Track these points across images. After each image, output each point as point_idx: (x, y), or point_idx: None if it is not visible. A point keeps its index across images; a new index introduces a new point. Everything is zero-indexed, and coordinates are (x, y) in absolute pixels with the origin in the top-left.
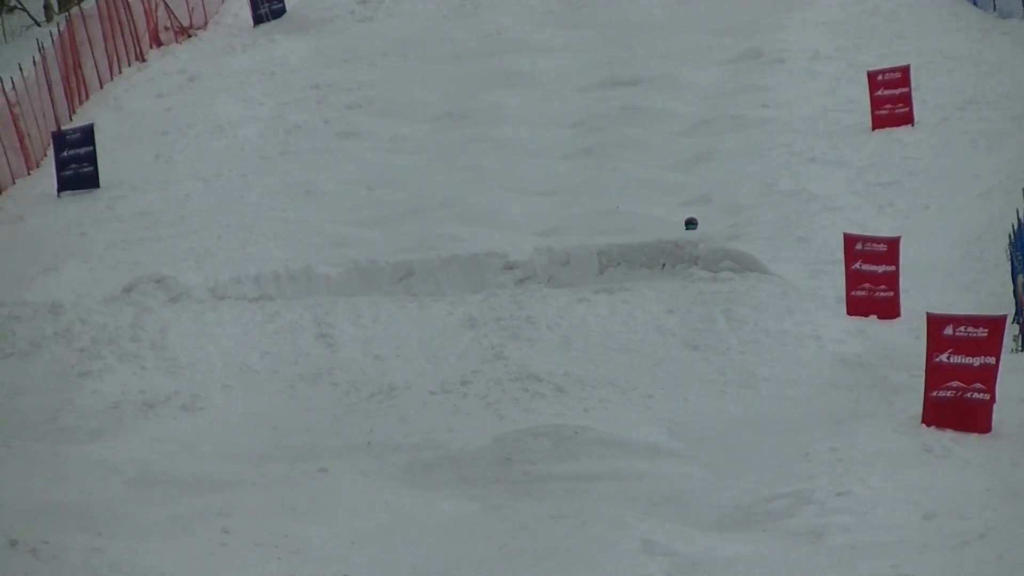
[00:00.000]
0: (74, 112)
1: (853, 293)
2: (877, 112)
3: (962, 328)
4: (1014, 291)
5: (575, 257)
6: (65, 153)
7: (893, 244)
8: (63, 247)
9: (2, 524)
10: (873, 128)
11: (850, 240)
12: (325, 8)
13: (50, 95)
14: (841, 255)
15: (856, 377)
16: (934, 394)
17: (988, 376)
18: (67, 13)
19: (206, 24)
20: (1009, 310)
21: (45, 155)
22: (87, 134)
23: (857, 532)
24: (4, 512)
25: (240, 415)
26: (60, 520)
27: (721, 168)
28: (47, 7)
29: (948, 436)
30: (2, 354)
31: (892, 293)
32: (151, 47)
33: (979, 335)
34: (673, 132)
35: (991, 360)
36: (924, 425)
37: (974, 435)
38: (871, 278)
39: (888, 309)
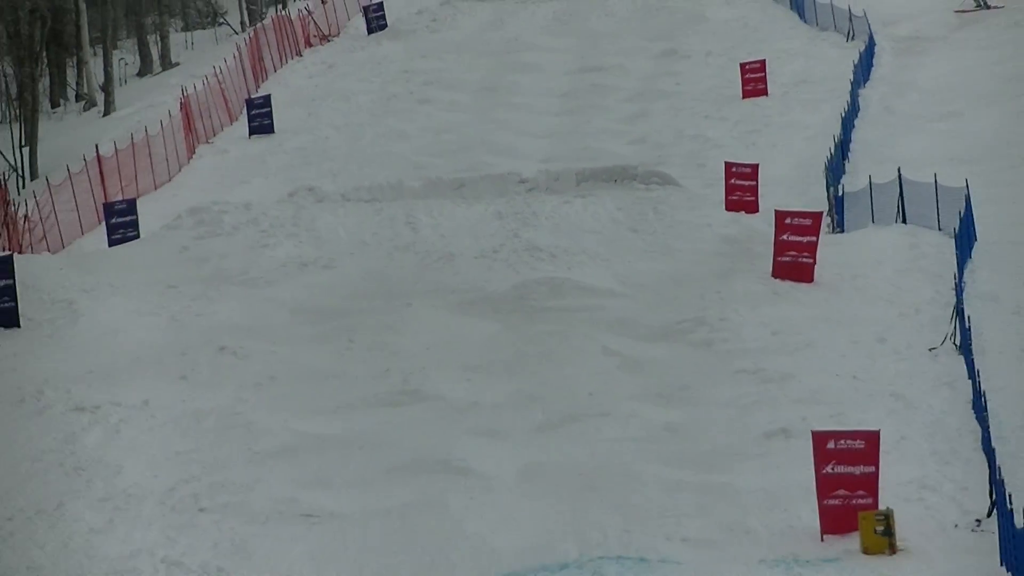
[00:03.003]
0: (258, 87)
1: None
2: (746, 88)
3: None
4: (827, 196)
5: (562, 175)
6: (253, 111)
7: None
8: (251, 169)
9: (215, 336)
10: (743, 98)
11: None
12: (411, 24)
13: (243, 77)
14: (722, 175)
15: (733, 248)
16: (780, 259)
17: (812, 249)
18: (253, 27)
19: (339, 33)
20: (824, 207)
21: (241, 112)
22: (267, 100)
23: (732, 343)
24: (216, 329)
25: (359, 271)
26: (249, 334)
27: (651, 122)
28: (242, 23)
29: (788, 284)
30: (215, 233)
31: (753, 198)
32: (305, 47)
33: (806, 238)
34: (621, 100)
35: (809, 256)
36: (773, 277)
37: (804, 284)
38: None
39: (750, 207)
